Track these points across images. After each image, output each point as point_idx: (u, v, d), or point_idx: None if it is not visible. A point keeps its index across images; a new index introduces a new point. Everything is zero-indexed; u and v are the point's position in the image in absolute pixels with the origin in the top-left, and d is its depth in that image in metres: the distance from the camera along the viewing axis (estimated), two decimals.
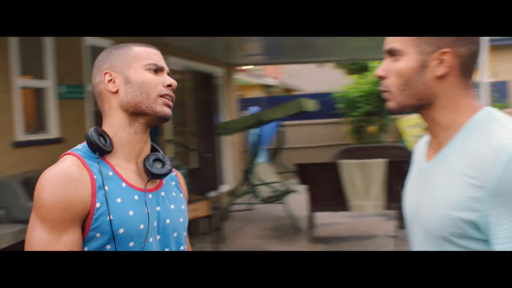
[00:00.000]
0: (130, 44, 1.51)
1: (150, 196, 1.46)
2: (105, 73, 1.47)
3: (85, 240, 1.35)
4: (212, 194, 7.57)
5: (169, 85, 1.47)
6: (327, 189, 6.77)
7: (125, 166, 1.45)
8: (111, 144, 1.44)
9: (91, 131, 1.41)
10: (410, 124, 11.27)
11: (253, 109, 11.62)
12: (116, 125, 1.46)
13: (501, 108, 10.28)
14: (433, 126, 1.31)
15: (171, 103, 1.48)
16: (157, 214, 1.47)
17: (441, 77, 1.26)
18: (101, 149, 1.40)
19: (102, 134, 1.43)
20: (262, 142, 8.95)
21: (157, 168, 1.47)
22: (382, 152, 8.62)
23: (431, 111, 1.29)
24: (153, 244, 1.44)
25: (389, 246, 6.28)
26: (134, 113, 1.45)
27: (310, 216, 6.92)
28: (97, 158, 1.40)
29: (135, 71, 1.45)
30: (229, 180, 10.15)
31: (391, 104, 1.33)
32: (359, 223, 7.59)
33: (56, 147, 5.13)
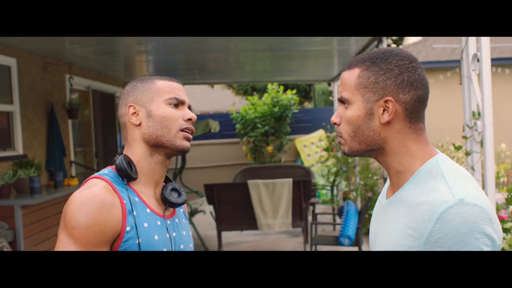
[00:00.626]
0: (154, 78, 1.59)
1: (168, 222, 1.56)
2: (130, 106, 1.56)
3: None
4: None
5: (189, 119, 1.56)
6: (235, 209, 6.91)
7: (146, 192, 1.54)
8: (136, 171, 1.52)
9: (121, 158, 1.50)
10: (305, 143, 11.76)
11: None
12: (138, 155, 1.54)
13: None
14: (387, 169, 1.38)
15: (190, 136, 1.56)
16: (174, 240, 1.56)
17: (387, 124, 1.31)
18: (129, 175, 1.48)
19: (129, 162, 1.52)
20: None
21: (174, 197, 1.57)
22: (281, 171, 8.94)
23: (383, 156, 1.36)
24: None
25: None
26: (155, 145, 1.53)
27: (219, 235, 7.02)
28: (126, 184, 1.49)
29: (156, 105, 1.53)
30: None
31: (343, 149, 1.39)
32: (265, 241, 7.79)
33: None
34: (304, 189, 6.84)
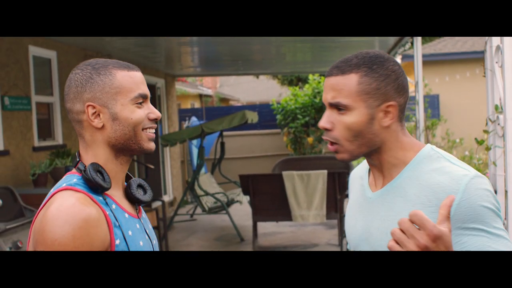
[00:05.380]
0: (110, 67, 1.39)
1: (142, 221, 1.47)
2: (88, 106, 1.37)
3: None
4: (155, 204, 7.60)
5: (154, 119, 1.43)
6: (270, 200, 6.94)
7: (117, 194, 1.42)
8: (110, 179, 1.37)
9: (89, 168, 1.33)
10: None
11: (193, 119, 11.69)
12: (102, 158, 1.39)
13: (434, 123, 10.79)
14: (379, 165, 1.43)
15: (154, 136, 1.44)
16: (151, 237, 1.48)
17: (387, 126, 1.38)
18: (103, 187, 1.33)
19: (100, 170, 1.36)
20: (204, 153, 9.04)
21: (141, 195, 1.46)
22: (320, 163, 8.90)
23: (378, 154, 1.41)
24: None
25: None
26: (122, 148, 1.40)
27: (254, 226, 7.07)
28: (105, 199, 1.35)
29: (122, 107, 1.37)
30: (169, 190, 10.16)
31: (342, 156, 1.40)
32: (301, 232, 7.79)
33: (1, 159, 5.04)
34: (339, 181, 6.81)
